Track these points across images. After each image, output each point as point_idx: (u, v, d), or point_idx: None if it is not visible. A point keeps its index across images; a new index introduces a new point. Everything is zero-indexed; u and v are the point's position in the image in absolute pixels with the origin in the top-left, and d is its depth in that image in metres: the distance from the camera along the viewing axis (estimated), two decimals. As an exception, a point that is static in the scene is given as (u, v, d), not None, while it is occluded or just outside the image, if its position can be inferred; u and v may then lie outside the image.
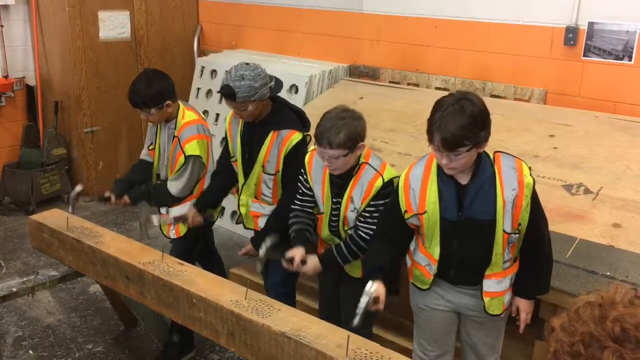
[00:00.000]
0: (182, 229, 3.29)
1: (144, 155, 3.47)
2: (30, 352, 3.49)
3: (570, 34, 3.84)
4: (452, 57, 4.42)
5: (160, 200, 3.30)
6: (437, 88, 4.50)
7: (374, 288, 2.28)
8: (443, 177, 2.31)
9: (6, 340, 3.59)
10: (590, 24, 3.77)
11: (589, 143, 3.51)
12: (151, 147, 3.38)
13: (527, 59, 4.09)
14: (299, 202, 2.83)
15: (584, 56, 3.84)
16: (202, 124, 3.24)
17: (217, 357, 3.47)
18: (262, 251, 2.75)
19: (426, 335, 2.59)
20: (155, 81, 3.15)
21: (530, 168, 2.35)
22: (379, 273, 2.39)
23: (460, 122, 2.13)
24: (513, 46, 4.14)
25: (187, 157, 3.14)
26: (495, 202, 2.26)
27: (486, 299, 2.41)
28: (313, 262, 2.70)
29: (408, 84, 4.66)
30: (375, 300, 2.32)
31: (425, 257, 2.45)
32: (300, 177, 2.81)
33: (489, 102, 4.11)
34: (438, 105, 2.21)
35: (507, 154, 2.36)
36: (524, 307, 2.46)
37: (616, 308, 0.97)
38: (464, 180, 2.29)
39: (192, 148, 3.14)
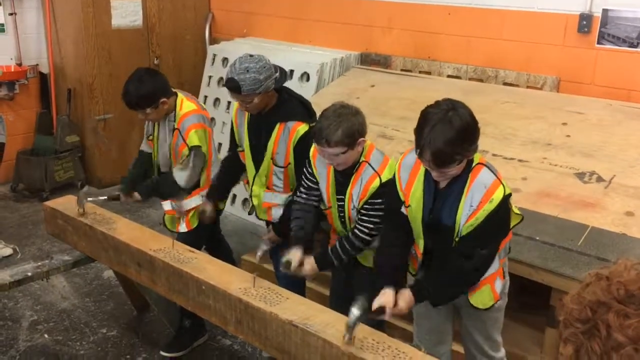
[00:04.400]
0: (193, 222, 3.29)
1: (143, 146, 3.47)
2: (46, 335, 3.54)
3: (584, 21, 3.80)
4: (465, 44, 4.39)
5: (167, 191, 3.29)
6: (449, 76, 4.48)
7: (358, 311, 2.11)
8: (429, 177, 2.31)
9: (22, 324, 3.64)
10: (605, 11, 3.72)
11: (602, 131, 3.48)
12: (150, 138, 3.38)
13: (540, 46, 4.05)
14: (304, 196, 2.82)
15: (597, 43, 3.79)
16: (201, 114, 3.21)
17: (229, 342, 3.50)
18: (259, 255, 3.04)
19: (423, 323, 2.61)
20: (147, 81, 3.11)
21: (510, 195, 2.25)
22: (390, 278, 2.35)
23: (449, 138, 2.10)
24: (526, 33, 4.10)
25: (190, 148, 3.13)
26: (457, 210, 2.26)
27: (469, 296, 2.41)
28: (310, 264, 2.70)
29: (420, 72, 4.63)
30: (381, 310, 2.28)
31: (413, 248, 2.48)
32: (305, 170, 2.80)
33: (501, 89, 4.14)
34: (425, 119, 2.17)
35: (490, 169, 2.29)
36: (405, 298, 2.32)
37: (622, 276, 1.01)
38: (442, 184, 2.30)
39: (192, 139, 3.12)
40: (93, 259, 3.28)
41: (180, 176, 3.18)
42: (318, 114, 3.02)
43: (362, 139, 2.56)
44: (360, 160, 2.61)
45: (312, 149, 2.78)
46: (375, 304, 2.28)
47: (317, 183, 2.78)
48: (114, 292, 3.96)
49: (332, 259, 2.70)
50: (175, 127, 3.16)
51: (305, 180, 2.81)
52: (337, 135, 2.46)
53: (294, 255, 2.69)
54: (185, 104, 3.19)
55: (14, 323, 3.65)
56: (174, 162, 3.25)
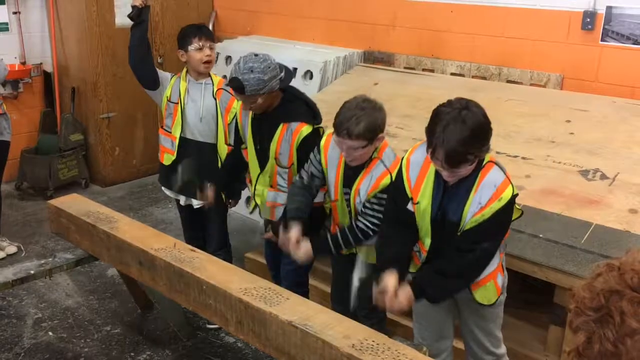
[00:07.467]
0: None
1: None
2: (50, 333, 3.56)
3: (588, 18, 3.77)
4: (468, 42, 4.37)
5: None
6: (452, 74, 4.46)
7: (363, 273, 2.14)
8: (439, 174, 2.29)
9: (26, 321, 3.66)
10: (609, 8, 3.69)
11: (606, 128, 3.47)
12: (175, 101, 3.49)
13: (544, 44, 4.03)
14: (305, 181, 2.77)
15: (601, 41, 3.77)
16: None
17: (232, 339, 3.51)
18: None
19: (423, 320, 2.60)
20: None
21: (517, 195, 2.27)
22: (393, 264, 2.34)
23: (463, 137, 2.07)
24: (529, 31, 4.08)
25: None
26: (464, 207, 2.25)
27: (474, 292, 2.40)
28: (305, 247, 2.67)
29: (423, 69, 4.62)
30: (382, 291, 2.28)
31: (417, 245, 2.46)
32: (313, 156, 2.76)
33: (505, 87, 4.12)
34: (438, 119, 2.13)
35: (500, 168, 2.28)
36: (405, 292, 2.30)
37: (634, 265, 1.02)
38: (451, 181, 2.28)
39: None
40: (96, 258, 3.29)
41: None
42: (322, 112, 3.02)
43: (381, 134, 2.54)
44: (373, 157, 2.58)
45: (323, 140, 2.74)
46: (378, 288, 2.28)
47: (322, 172, 2.74)
48: (117, 290, 3.98)
49: (331, 247, 2.67)
50: (217, 88, 3.43)
51: (311, 167, 2.76)
52: (359, 128, 2.43)
53: (294, 233, 2.64)
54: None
55: (18, 320, 3.66)
56: (225, 118, 3.41)
